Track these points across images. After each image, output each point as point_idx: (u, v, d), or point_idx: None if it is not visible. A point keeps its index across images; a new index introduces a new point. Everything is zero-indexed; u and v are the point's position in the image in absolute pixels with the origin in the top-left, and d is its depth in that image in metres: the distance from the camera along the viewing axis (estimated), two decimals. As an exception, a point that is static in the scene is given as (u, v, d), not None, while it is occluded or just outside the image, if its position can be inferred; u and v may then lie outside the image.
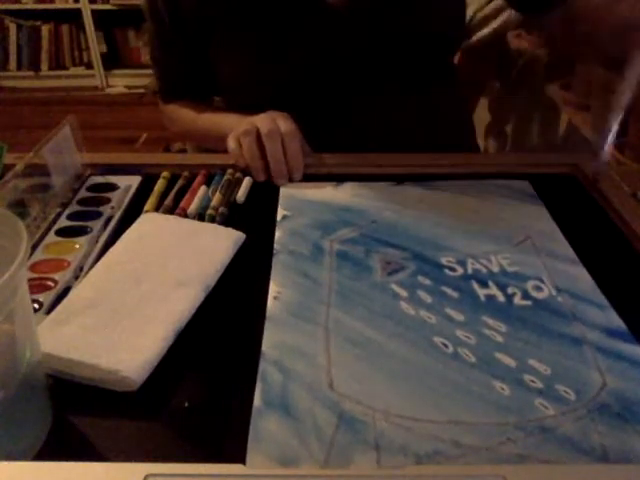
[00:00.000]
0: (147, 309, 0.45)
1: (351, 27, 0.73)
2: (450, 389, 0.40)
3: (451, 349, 0.43)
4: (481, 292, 0.49)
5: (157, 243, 0.53)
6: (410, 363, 0.42)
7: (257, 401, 0.39)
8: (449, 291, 0.49)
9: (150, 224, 0.56)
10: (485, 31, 1.30)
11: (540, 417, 0.38)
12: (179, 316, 0.44)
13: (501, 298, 0.48)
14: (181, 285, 0.47)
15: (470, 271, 0.51)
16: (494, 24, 1.29)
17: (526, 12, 0.73)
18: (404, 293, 0.48)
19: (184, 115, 0.84)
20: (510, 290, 0.49)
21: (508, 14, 1.26)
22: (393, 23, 0.74)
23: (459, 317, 0.46)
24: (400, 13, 0.74)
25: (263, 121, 0.65)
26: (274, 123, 0.65)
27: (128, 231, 0.54)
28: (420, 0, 0.75)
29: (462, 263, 0.52)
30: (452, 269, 0.51)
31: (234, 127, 0.68)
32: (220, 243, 0.53)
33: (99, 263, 0.50)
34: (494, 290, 0.49)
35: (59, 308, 0.45)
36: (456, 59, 1.00)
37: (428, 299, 0.48)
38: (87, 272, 0.51)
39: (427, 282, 0.50)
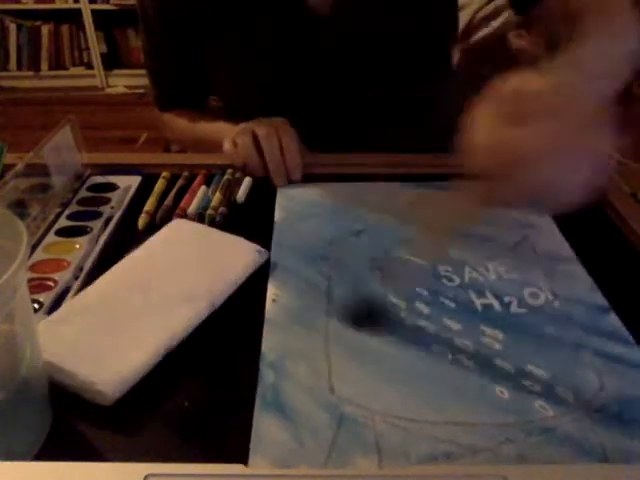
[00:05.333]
0: (145, 322, 0.44)
1: (337, 30, 0.73)
2: (450, 392, 0.40)
3: (450, 356, 0.43)
4: (478, 302, 0.48)
5: (176, 253, 0.52)
6: (409, 368, 0.42)
7: (258, 405, 0.39)
8: (446, 302, 0.48)
9: (176, 232, 0.55)
10: (485, 31, 1.30)
11: (539, 418, 0.38)
12: (173, 334, 0.43)
13: (498, 307, 0.48)
14: (186, 301, 0.46)
15: (467, 280, 0.51)
16: (494, 24, 1.29)
17: (522, 11, 0.73)
18: (402, 304, 0.48)
19: (180, 124, 0.85)
20: (507, 299, 0.49)
21: (508, 14, 1.26)
22: (379, 25, 0.74)
23: (457, 326, 0.46)
24: (384, 15, 0.74)
25: (259, 124, 0.66)
26: (270, 125, 0.65)
27: (155, 235, 0.54)
28: (403, 10, 0.74)
29: (459, 272, 0.52)
30: (449, 279, 0.51)
31: (229, 132, 0.68)
32: (239, 260, 0.51)
33: (114, 267, 0.50)
34: (491, 299, 0.49)
35: (62, 308, 0.45)
36: (456, 59, 1.00)
37: (426, 310, 0.47)
38: (87, 272, 0.52)
39: (424, 293, 0.49)
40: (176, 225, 0.56)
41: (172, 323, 0.44)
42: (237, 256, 0.51)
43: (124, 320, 0.44)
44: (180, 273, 0.49)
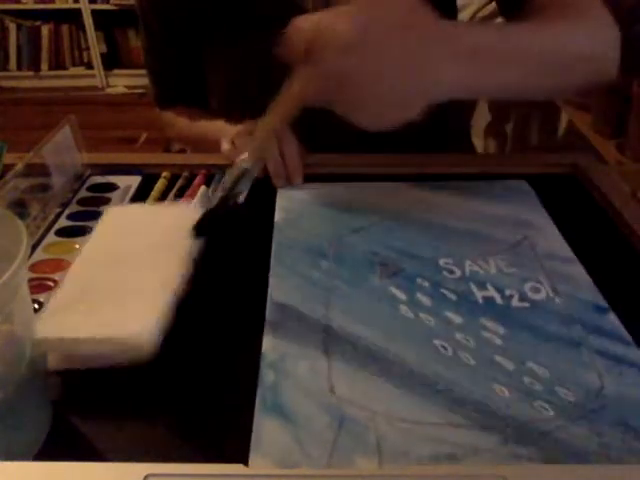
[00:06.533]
0: (136, 284, 0.44)
1: None
2: (450, 392, 0.40)
3: (450, 352, 0.43)
4: (479, 294, 0.48)
5: (129, 230, 0.52)
6: (410, 366, 0.42)
7: (258, 406, 0.39)
8: (447, 294, 0.48)
9: (116, 217, 0.55)
10: (485, 31, 1.30)
11: (540, 419, 0.38)
12: (174, 279, 0.44)
13: (499, 300, 0.48)
14: (163, 258, 0.47)
15: (468, 273, 0.51)
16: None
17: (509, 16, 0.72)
18: (403, 296, 0.48)
19: (179, 122, 0.85)
20: (508, 292, 0.49)
21: (508, 14, 1.26)
22: None
23: (458, 320, 0.46)
24: None
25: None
26: None
27: (97, 227, 0.53)
28: None
29: (460, 265, 0.52)
30: (450, 271, 0.51)
31: (228, 132, 0.68)
32: (188, 218, 0.52)
33: (77, 259, 0.49)
34: (492, 292, 0.49)
35: (50, 302, 0.44)
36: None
37: (427, 302, 0.48)
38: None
39: (426, 284, 0.49)
40: (112, 212, 0.56)
41: (166, 272, 0.45)
42: (185, 216, 0.52)
43: (120, 288, 0.44)
44: (146, 242, 0.50)
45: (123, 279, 0.45)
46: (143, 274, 0.46)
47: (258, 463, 0.35)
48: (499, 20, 1.30)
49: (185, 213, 0.54)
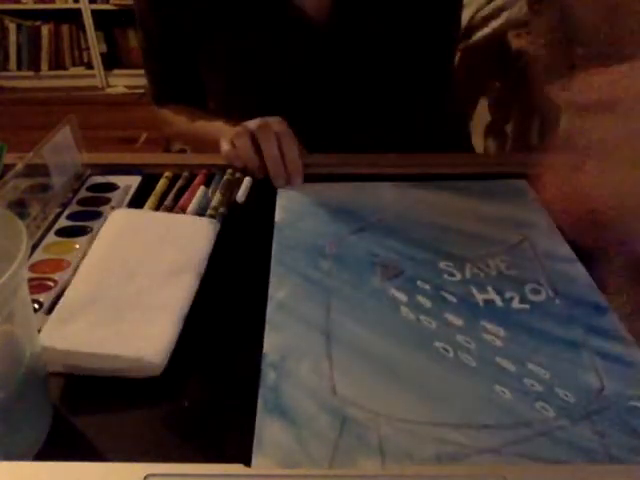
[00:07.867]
0: (148, 299, 0.45)
1: (336, 33, 0.74)
2: (452, 393, 0.40)
3: (452, 354, 0.43)
4: (480, 297, 0.48)
5: (138, 237, 0.52)
6: (411, 367, 0.42)
7: (260, 407, 0.39)
8: (448, 296, 0.48)
9: (123, 221, 0.55)
10: (485, 31, 1.30)
11: (540, 419, 0.38)
12: (181, 302, 0.45)
13: (499, 303, 0.48)
14: (174, 274, 0.48)
15: (468, 275, 0.51)
16: (494, 24, 1.29)
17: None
18: (404, 298, 0.48)
19: (177, 120, 0.85)
20: (508, 294, 0.49)
21: (508, 14, 1.26)
22: (379, 27, 0.74)
23: (458, 322, 0.46)
24: (384, 16, 0.74)
25: (257, 124, 0.66)
26: (268, 125, 0.65)
27: (103, 229, 0.54)
28: (405, 13, 0.74)
29: (460, 268, 0.52)
30: (451, 274, 0.51)
31: (227, 132, 0.68)
32: (199, 232, 0.54)
33: (85, 262, 0.49)
34: (492, 295, 0.49)
35: (59, 308, 0.45)
36: (456, 59, 1.00)
37: (427, 304, 0.48)
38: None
39: (426, 287, 0.49)
40: (120, 215, 0.56)
41: (174, 294, 0.46)
42: (195, 229, 0.54)
43: (127, 303, 0.45)
44: (153, 253, 0.50)
45: (134, 291, 0.46)
46: (155, 288, 0.46)
47: (260, 464, 0.35)
48: (499, 20, 1.30)
49: (195, 226, 0.54)
